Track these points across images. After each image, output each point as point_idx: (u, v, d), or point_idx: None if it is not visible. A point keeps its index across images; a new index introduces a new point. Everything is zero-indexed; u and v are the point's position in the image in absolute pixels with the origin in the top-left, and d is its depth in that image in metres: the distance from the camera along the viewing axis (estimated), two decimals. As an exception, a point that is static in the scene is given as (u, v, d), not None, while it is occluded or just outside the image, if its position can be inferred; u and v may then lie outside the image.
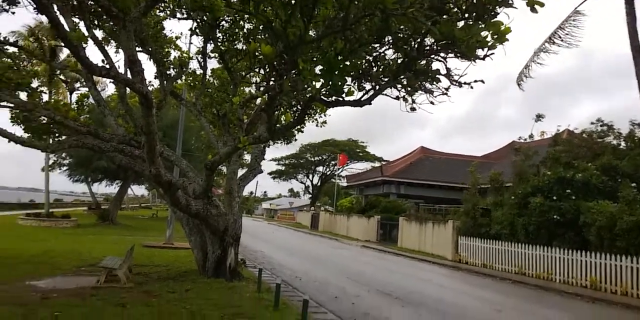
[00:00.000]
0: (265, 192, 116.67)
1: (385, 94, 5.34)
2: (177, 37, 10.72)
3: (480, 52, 4.27)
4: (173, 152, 11.77)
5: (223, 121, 10.04)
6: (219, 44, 9.65)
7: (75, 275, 10.09)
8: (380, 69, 5.22)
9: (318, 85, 4.70)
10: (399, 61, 5.05)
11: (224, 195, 10.86)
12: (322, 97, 5.08)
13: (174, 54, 10.88)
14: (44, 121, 11.04)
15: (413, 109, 5.28)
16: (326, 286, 11.11)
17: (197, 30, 9.55)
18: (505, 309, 9.87)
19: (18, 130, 10.48)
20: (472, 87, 5.08)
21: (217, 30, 9.58)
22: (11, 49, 11.10)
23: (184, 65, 10.77)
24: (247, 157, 17.66)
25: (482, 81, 5.01)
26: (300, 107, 7.48)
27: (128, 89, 11.05)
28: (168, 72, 10.66)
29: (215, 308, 7.48)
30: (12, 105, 9.80)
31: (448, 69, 4.86)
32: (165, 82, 10.54)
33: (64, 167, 27.65)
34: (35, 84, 10.96)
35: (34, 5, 5.18)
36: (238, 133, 8.56)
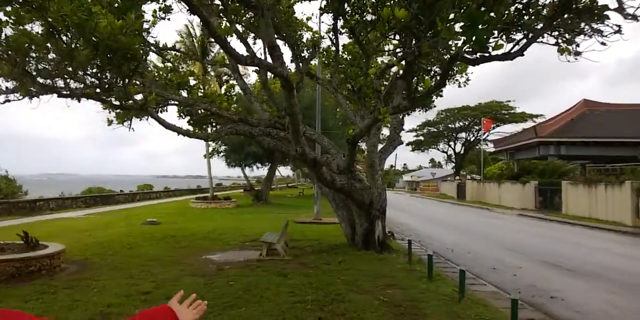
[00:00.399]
0: (405, 164, 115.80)
1: (541, 41, 4.70)
2: (308, 19, 10.94)
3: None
4: (314, 131, 12.21)
5: (359, 95, 10.06)
6: (348, 18, 9.59)
7: (241, 249, 11.17)
8: (533, 17, 4.58)
9: (460, 43, 4.33)
10: (556, 1, 4.36)
11: (366, 169, 10.97)
12: (465, 55, 4.68)
13: (307, 35, 11.14)
14: (202, 114, 12.29)
15: (578, 54, 4.56)
16: (481, 258, 10.61)
17: (327, 8, 9.60)
18: None
19: (184, 124, 11.89)
20: (651, 20, 4.19)
21: (346, 4, 9.52)
22: (168, 54, 12.53)
23: (316, 45, 10.98)
24: (385, 131, 17.55)
25: (663, 10, 4.10)
26: (440, 70, 7.07)
27: (269, 75, 11.72)
28: (302, 54, 10.98)
29: (368, 278, 7.66)
30: (177, 102, 11.10)
31: (620, 1, 4.06)
32: (301, 64, 10.89)
33: (221, 154, 30.84)
34: (192, 82, 12.23)
35: (187, 8, 5.69)
36: (375, 105, 8.49)
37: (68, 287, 7.18)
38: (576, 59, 4.80)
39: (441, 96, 13.00)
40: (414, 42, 4.76)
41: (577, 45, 4.58)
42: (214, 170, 29.97)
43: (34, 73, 8.04)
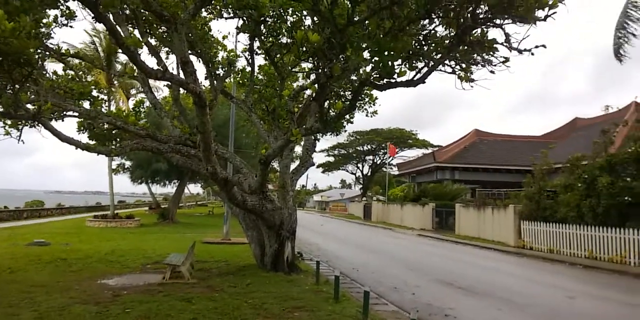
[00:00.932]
0: (315, 184, 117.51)
1: (440, 70, 5.12)
2: (224, 37, 10.86)
3: (540, 13, 3.98)
4: (226, 150, 12.00)
5: (273, 116, 10.09)
6: (264, 39, 9.70)
7: (142, 272, 10.51)
8: (432, 47, 4.99)
9: (369, 68, 4.55)
10: (452, 34, 4.80)
11: (278, 189, 10.95)
12: (373, 80, 4.93)
13: (222, 53, 11.04)
14: (106, 128, 11.57)
15: (471, 80, 5.02)
16: (384, 277, 10.98)
17: (243, 28, 9.63)
18: (579, 296, 9.35)
19: (83, 138, 11.05)
20: (532, 54, 4.76)
21: (262, 26, 9.63)
22: (71, 61, 11.70)
23: (232, 64, 10.91)
24: (298, 149, 17.76)
25: (544, 46, 4.67)
26: (351, 94, 7.36)
27: (181, 91, 11.37)
28: (217, 72, 10.84)
29: (276, 301, 7.56)
30: (77, 114, 10.33)
31: (507, 35, 4.56)
32: (215, 81, 10.72)
33: (126, 170, 29.07)
34: (95, 93, 11.48)
35: (92, 15, 5.37)
36: (289, 126, 8.59)
37: None
38: (471, 86, 5.30)
39: (351, 122, 13.55)
40: (327, 63, 4.94)
41: (471, 73, 5.08)
42: (118, 186, 28.25)
43: None
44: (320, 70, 5.39)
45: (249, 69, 11.24)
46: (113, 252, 13.60)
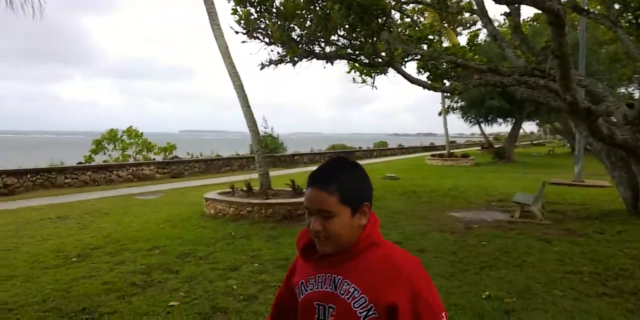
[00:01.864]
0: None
1: None
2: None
3: None
4: (584, 76, 10.27)
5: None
6: None
7: (487, 209, 10.47)
8: None
9: None
10: None
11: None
12: None
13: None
14: (444, 67, 11.69)
15: None
16: None
17: None
18: None
19: (422, 79, 11.55)
20: None
21: None
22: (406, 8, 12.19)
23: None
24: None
25: None
26: None
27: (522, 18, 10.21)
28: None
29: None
30: (419, 56, 10.79)
31: None
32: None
33: (456, 110, 29.53)
34: (430, 36, 11.69)
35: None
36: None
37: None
38: None
39: None
40: None
41: None
42: (448, 127, 28.89)
43: (297, 39, 8.77)
44: None
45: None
46: (455, 188, 14.15)
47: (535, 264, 5.81)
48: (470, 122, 30.29)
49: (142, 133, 20.69)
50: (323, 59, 8.79)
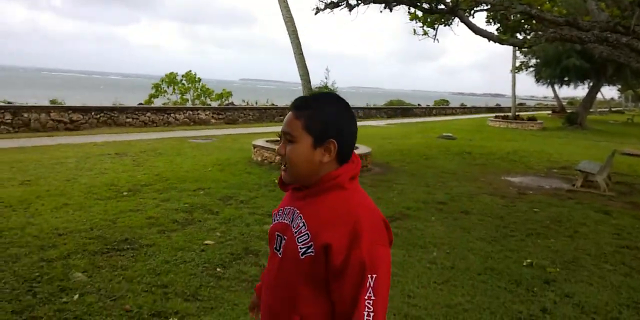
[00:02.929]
0: None
1: None
2: None
3: None
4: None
5: None
6: None
7: (547, 176, 9.88)
8: None
9: None
10: None
11: None
12: None
13: None
14: (516, 18, 10.75)
15: None
16: None
17: None
18: None
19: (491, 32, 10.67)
20: None
21: None
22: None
23: None
24: None
25: None
26: None
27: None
28: None
29: None
30: (489, 5, 9.92)
31: None
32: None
33: (530, 69, 27.46)
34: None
35: None
36: None
37: (372, 185, 7.74)
38: None
39: None
40: None
41: None
42: (517, 89, 26.96)
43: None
44: None
45: None
46: (515, 152, 13.43)
47: (588, 235, 5.43)
48: (544, 83, 28.17)
49: (199, 78, 21.03)
50: (380, 3, 8.25)
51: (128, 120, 15.25)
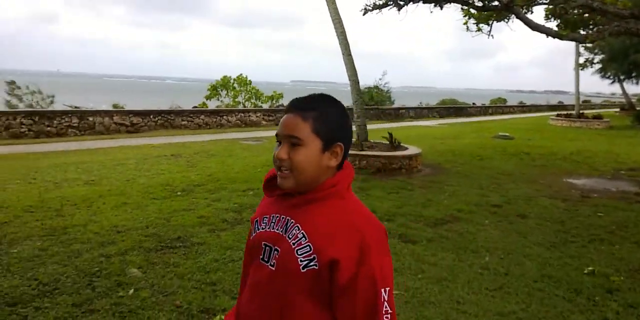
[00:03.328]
0: None
1: None
2: None
3: None
4: None
5: None
6: None
7: (613, 178, 9.27)
8: None
9: None
10: None
11: None
12: None
13: None
14: (577, 13, 10.22)
15: None
16: None
17: None
18: None
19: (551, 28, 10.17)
20: None
21: None
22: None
23: None
24: None
25: None
26: None
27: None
28: None
29: None
30: (547, 1, 9.51)
31: None
32: None
33: (594, 65, 25.88)
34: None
35: None
36: None
37: (422, 186, 7.58)
38: None
39: None
40: None
41: None
42: (582, 85, 25.24)
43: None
44: None
45: None
46: (579, 152, 12.70)
47: (658, 242, 5.03)
48: (610, 79, 26.47)
49: (250, 81, 21.48)
50: (430, 2, 8.06)
51: (183, 122, 15.84)
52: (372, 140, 10.20)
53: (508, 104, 40.16)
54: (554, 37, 9.10)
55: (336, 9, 9.20)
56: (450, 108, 30.18)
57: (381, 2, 7.70)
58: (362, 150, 8.98)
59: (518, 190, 7.57)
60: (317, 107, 1.22)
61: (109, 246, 4.38)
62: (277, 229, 1.22)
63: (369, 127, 10.71)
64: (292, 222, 1.20)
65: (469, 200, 6.70)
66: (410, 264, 4.15)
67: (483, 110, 33.36)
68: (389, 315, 1.12)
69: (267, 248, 1.23)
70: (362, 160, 8.63)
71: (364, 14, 8.06)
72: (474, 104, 35.57)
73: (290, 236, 1.18)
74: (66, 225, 4.98)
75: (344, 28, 9.33)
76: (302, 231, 1.17)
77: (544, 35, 9.32)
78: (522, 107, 39.46)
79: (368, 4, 7.80)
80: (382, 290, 1.12)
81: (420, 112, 27.36)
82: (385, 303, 1.12)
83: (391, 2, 7.54)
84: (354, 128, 10.20)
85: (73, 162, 8.86)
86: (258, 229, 1.29)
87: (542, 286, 3.79)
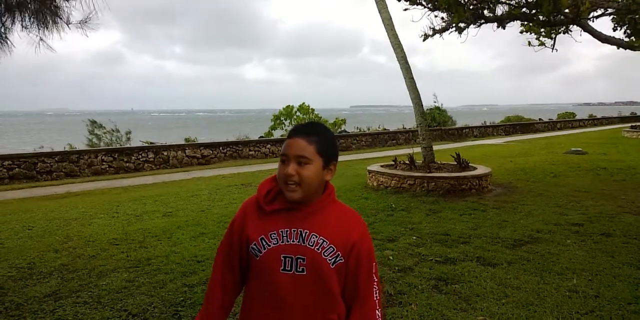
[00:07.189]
0: None
1: None
2: None
3: None
4: None
5: None
6: None
7: None
8: None
9: None
10: None
11: None
12: None
13: None
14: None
15: None
16: None
17: None
18: None
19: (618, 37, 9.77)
20: None
21: None
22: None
23: None
24: None
25: None
26: None
27: None
28: None
29: None
30: (613, 10, 9.18)
31: None
32: None
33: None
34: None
35: None
36: None
37: (495, 207, 7.35)
38: None
39: None
40: None
41: None
42: None
43: (463, 1, 8.15)
44: None
45: None
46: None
47: None
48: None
49: (312, 109, 21.99)
50: (493, 22, 8.00)
51: (251, 152, 16.45)
52: (438, 162, 10.08)
53: (577, 118, 38.16)
54: (625, 49, 8.73)
55: (396, 34, 9.36)
56: (516, 125, 29.15)
57: (441, 27, 7.75)
58: (430, 172, 8.88)
59: (599, 208, 7.15)
60: (318, 132, 1.49)
61: (191, 276, 4.53)
62: (294, 241, 1.46)
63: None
64: (306, 233, 1.46)
65: (547, 220, 6.42)
66: (492, 288, 4.03)
67: (551, 125, 31.92)
68: (376, 282, 1.52)
69: (287, 259, 1.46)
70: (430, 182, 8.53)
71: (424, 40, 8.14)
72: (540, 119, 34.13)
73: (310, 244, 1.45)
74: (149, 256, 5.19)
75: (404, 53, 9.44)
76: (321, 238, 1.45)
77: (608, 45, 8.95)
78: (593, 120, 37.37)
79: (428, 29, 7.88)
80: (374, 264, 1.53)
81: (485, 131, 26.63)
82: (374, 275, 1.52)
83: (453, 26, 7.57)
84: (419, 150, 10.24)
85: (151, 195, 9.42)
86: (268, 245, 1.48)
87: (637, 308, 3.56)
